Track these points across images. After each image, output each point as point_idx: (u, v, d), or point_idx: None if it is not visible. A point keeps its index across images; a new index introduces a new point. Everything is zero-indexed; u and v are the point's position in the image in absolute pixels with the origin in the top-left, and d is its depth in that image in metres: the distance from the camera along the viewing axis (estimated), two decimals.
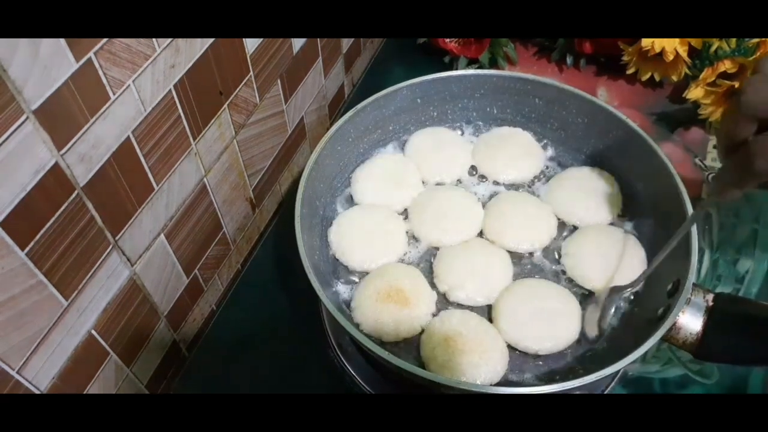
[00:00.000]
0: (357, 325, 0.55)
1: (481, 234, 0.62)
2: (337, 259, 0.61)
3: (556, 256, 0.61)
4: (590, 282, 0.58)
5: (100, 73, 0.41)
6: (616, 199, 0.64)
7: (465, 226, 0.62)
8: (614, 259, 0.58)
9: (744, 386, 0.58)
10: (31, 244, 0.39)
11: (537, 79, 0.67)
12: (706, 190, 0.42)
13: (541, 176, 0.68)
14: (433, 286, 0.59)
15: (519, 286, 0.57)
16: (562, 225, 0.63)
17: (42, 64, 0.36)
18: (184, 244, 0.57)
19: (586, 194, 0.64)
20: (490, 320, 0.56)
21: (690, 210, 0.54)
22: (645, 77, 0.81)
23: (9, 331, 0.40)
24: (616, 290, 0.54)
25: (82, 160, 0.42)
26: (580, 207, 0.63)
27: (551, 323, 0.55)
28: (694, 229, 0.52)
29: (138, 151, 0.47)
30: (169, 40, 0.46)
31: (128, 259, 0.50)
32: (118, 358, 0.52)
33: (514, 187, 0.67)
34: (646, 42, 0.75)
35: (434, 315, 0.56)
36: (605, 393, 0.57)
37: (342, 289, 0.59)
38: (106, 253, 0.47)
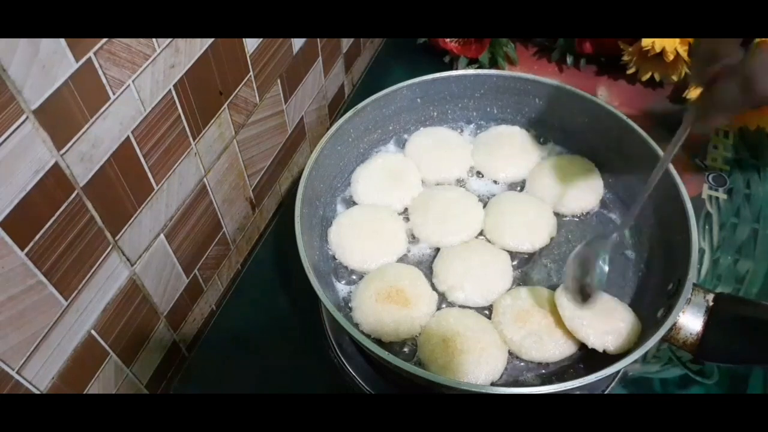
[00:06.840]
0: (357, 325, 0.55)
1: (481, 234, 0.62)
2: (337, 259, 0.61)
3: (557, 256, 0.61)
4: None
5: (100, 72, 0.41)
6: (597, 183, 0.65)
7: (465, 227, 0.62)
8: None
9: (744, 386, 0.58)
10: (31, 244, 0.39)
11: (537, 79, 0.67)
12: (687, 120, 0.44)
13: None
14: (433, 286, 0.58)
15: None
16: (561, 224, 0.63)
17: (42, 63, 0.36)
18: (184, 244, 0.57)
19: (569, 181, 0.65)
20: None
21: (690, 210, 0.54)
22: (645, 77, 0.81)
23: (8, 331, 0.40)
24: (596, 242, 0.53)
25: (81, 159, 0.42)
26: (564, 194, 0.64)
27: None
28: (694, 229, 0.53)
29: (138, 151, 0.47)
30: (169, 40, 0.46)
31: (128, 259, 0.50)
32: (118, 358, 0.52)
33: (513, 186, 0.67)
34: (646, 42, 0.75)
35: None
36: (605, 393, 0.57)
37: (342, 288, 0.59)
38: (105, 253, 0.47)
